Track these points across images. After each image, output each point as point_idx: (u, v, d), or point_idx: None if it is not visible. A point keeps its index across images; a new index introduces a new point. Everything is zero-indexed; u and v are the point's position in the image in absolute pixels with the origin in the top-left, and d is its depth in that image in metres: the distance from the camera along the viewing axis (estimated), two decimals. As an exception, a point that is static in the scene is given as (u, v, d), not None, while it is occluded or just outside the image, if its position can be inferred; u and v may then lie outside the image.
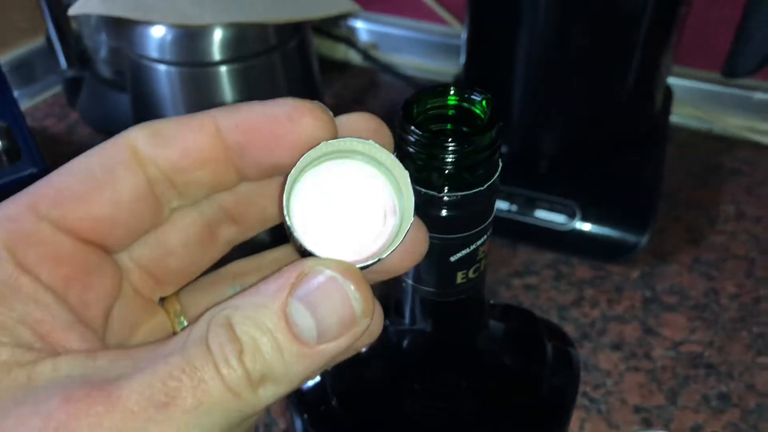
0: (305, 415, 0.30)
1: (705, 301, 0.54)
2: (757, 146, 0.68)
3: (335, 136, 0.19)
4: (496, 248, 0.58)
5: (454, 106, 0.23)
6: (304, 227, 0.19)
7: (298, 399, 0.30)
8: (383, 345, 0.29)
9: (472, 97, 0.23)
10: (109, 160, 0.19)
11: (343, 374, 0.29)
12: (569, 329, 0.52)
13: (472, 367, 0.29)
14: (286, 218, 0.18)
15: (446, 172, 0.22)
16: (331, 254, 0.18)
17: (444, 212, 0.23)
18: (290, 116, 0.19)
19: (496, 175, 0.23)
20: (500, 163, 0.23)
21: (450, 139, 0.21)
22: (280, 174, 0.20)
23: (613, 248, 0.56)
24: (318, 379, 0.29)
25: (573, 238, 0.57)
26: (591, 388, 0.48)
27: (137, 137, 0.19)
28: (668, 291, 0.55)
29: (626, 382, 0.49)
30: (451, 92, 0.23)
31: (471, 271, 0.25)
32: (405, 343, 0.28)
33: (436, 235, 0.23)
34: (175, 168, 0.19)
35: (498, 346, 0.29)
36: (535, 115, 0.59)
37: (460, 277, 0.25)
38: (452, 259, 0.24)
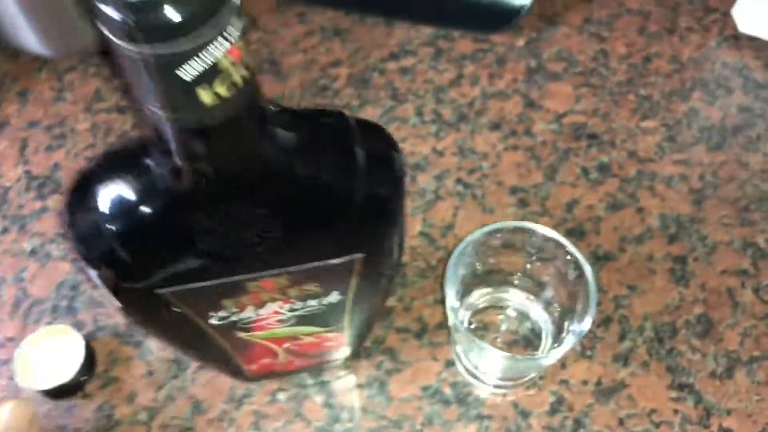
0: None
1: (593, 65, 0.50)
2: None
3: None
4: (367, 29, 0.52)
5: None
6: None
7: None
8: (156, 189, 0.24)
9: None
10: None
11: (128, 225, 0.25)
12: (446, 113, 0.48)
13: (265, 192, 0.25)
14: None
15: None
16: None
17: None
18: None
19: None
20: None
21: None
22: None
23: (497, 13, 0.51)
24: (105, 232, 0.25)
25: (453, 5, 0.51)
26: (465, 173, 0.46)
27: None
28: (555, 58, 0.50)
29: (504, 163, 0.46)
30: None
31: (220, 88, 0.20)
32: (180, 183, 0.23)
33: (142, 50, 0.18)
34: None
35: (293, 162, 0.25)
36: None
37: (206, 97, 0.20)
38: (181, 74, 0.19)
